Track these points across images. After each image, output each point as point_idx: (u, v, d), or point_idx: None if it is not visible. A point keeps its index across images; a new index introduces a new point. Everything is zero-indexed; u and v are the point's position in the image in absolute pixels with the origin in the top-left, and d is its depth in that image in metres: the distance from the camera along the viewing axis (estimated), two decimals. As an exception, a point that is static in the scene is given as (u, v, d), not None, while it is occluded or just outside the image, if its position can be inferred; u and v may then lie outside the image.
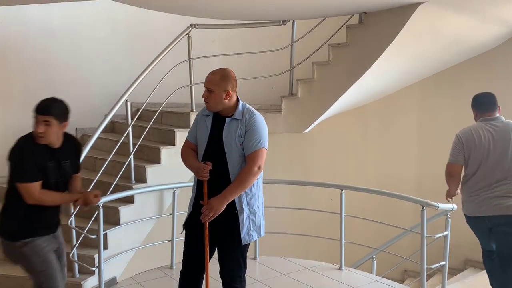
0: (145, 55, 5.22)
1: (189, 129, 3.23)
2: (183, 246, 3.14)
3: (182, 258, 3.15)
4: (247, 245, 3.06)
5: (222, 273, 3.08)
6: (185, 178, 5.05)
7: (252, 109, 3.06)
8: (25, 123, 5.51)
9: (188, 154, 3.11)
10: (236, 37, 6.51)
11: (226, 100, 2.97)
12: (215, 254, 3.11)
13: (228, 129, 2.98)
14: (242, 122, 2.97)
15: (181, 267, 3.16)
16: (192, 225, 3.06)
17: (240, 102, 3.06)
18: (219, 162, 2.94)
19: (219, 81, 2.98)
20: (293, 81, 5.68)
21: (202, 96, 3.01)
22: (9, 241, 3.02)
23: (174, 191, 4.54)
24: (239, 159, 2.95)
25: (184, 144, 3.20)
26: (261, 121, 3.01)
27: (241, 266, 3.06)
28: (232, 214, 2.95)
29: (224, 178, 2.93)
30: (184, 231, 3.15)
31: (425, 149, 6.50)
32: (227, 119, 3.00)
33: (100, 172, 4.27)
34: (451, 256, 4.37)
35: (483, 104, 3.87)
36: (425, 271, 4.06)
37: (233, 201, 2.93)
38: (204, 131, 3.05)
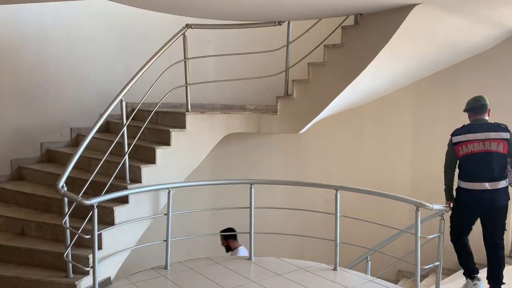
0: (141, 55, 5.21)
1: None
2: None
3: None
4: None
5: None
6: (180, 178, 5.06)
7: None
8: (20, 123, 5.55)
9: None
10: (232, 37, 6.51)
11: None
12: None
13: None
14: None
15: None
16: None
17: None
18: None
19: None
20: (288, 81, 5.69)
21: None
22: None
23: (169, 191, 4.54)
24: None
25: None
26: None
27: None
28: None
29: None
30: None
31: (420, 150, 6.51)
32: None
33: (95, 172, 4.26)
34: (445, 256, 4.39)
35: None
36: (419, 272, 4.07)
37: None
38: None
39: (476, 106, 4.31)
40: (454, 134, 4.32)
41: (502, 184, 4.14)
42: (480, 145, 4.16)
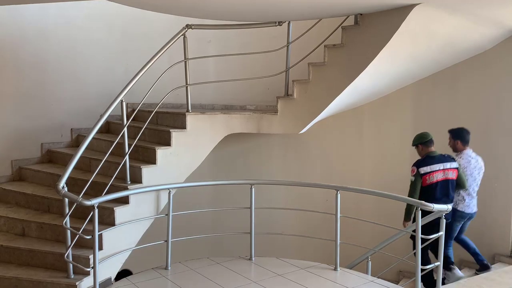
0: (141, 55, 5.22)
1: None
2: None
3: None
4: None
5: None
6: (180, 179, 5.06)
7: None
8: (20, 123, 5.55)
9: None
10: (232, 37, 6.51)
11: None
12: None
13: None
14: None
15: None
16: None
17: None
18: None
19: None
20: (288, 82, 5.69)
21: None
22: None
23: (170, 191, 4.54)
24: None
25: None
26: None
27: None
28: None
29: None
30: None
31: (420, 150, 6.51)
32: None
33: (95, 173, 4.27)
34: (445, 256, 4.39)
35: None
36: (419, 272, 4.07)
37: None
38: None
39: (427, 140, 5.12)
40: (419, 166, 5.01)
41: (451, 205, 4.84)
42: (441, 174, 4.98)
